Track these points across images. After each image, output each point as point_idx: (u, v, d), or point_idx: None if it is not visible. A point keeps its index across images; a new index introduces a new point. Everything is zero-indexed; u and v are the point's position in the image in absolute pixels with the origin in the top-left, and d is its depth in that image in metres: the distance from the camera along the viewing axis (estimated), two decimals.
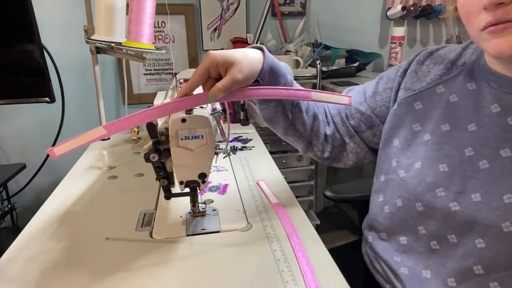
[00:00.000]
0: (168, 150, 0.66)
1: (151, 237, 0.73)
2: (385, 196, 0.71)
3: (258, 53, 0.65)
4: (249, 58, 0.62)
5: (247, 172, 1.01)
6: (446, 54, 0.69)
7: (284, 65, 0.70)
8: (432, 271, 0.63)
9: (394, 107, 0.72)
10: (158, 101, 0.76)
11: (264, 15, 1.42)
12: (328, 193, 1.04)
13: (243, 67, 0.60)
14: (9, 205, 1.61)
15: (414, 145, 0.67)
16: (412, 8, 1.87)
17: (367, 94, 0.78)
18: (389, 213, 0.70)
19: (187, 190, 0.73)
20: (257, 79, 0.65)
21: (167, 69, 1.87)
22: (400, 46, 1.92)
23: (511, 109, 0.57)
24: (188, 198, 0.76)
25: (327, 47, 1.83)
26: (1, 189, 1.54)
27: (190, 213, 0.79)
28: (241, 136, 1.31)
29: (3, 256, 0.67)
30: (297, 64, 1.59)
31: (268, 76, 0.66)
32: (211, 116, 0.68)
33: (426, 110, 0.67)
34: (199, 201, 0.78)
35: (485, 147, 0.58)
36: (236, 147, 1.21)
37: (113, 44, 1.14)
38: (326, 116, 0.80)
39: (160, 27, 1.78)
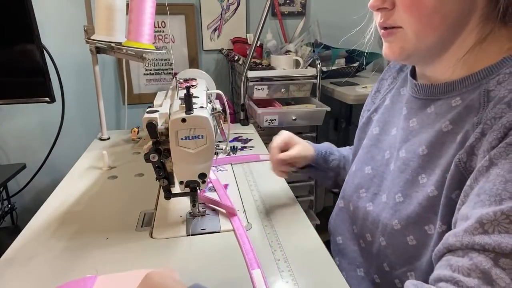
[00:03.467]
0: (168, 150, 0.66)
1: (151, 237, 0.73)
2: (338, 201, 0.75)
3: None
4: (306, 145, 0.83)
5: (247, 172, 1.01)
6: (396, 64, 0.73)
7: (328, 148, 0.86)
8: (364, 268, 0.66)
9: (360, 124, 0.76)
10: (158, 101, 0.76)
11: (264, 15, 1.42)
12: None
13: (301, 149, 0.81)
14: (9, 205, 1.61)
15: (359, 149, 0.72)
16: None
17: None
18: (334, 215, 0.75)
19: (187, 190, 0.73)
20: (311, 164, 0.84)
21: (167, 69, 1.87)
22: None
23: (413, 112, 0.59)
24: (188, 198, 0.76)
25: (327, 47, 1.83)
26: (1, 189, 1.54)
27: (190, 213, 0.79)
28: (241, 136, 1.31)
29: (3, 256, 0.67)
30: (297, 64, 1.59)
31: (322, 162, 0.84)
32: (211, 116, 0.68)
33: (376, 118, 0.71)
34: (199, 201, 0.78)
35: (394, 149, 0.61)
36: (236, 147, 1.20)
37: (113, 44, 1.13)
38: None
39: (160, 27, 1.78)
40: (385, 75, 0.75)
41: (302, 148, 0.81)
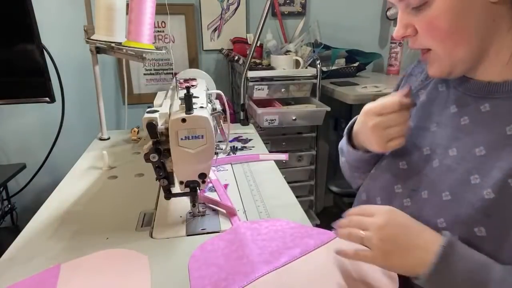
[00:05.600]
0: (168, 150, 0.66)
1: (151, 237, 0.73)
2: (358, 194, 0.74)
3: None
4: None
5: (247, 172, 1.01)
6: None
7: None
8: None
9: None
10: (158, 101, 0.76)
11: (264, 15, 1.42)
12: (333, 188, 1.03)
13: None
14: (9, 205, 1.61)
15: None
16: None
17: None
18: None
19: (187, 190, 0.73)
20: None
21: (167, 69, 1.87)
22: (400, 46, 1.92)
23: (465, 110, 0.58)
24: (188, 198, 0.76)
25: (327, 47, 1.83)
26: (1, 189, 1.54)
27: (190, 213, 0.79)
28: (241, 136, 1.31)
29: (3, 256, 0.67)
30: (297, 64, 1.59)
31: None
32: (211, 116, 0.68)
33: None
34: (199, 201, 0.78)
35: (438, 146, 0.60)
36: (236, 147, 1.20)
37: (113, 44, 1.13)
38: None
39: (160, 27, 1.78)
40: (414, 71, 0.74)
41: None
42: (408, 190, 0.62)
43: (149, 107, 0.69)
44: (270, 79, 1.53)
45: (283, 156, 1.11)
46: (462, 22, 0.50)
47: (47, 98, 1.23)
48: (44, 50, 1.24)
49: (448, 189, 0.56)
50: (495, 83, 0.55)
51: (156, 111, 0.67)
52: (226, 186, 0.93)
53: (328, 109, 1.49)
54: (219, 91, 0.79)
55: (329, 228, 0.73)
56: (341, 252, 0.58)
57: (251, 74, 1.50)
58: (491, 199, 0.50)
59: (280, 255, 0.64)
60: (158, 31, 1.79)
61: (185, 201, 0.81)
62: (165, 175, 0.71)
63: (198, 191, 0.74)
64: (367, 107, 0.63)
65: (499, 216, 0.49)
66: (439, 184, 0.58)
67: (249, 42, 1.78)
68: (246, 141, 1.27)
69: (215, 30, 1.86)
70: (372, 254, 0.52)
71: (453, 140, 0.58)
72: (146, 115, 0.65)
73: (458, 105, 0.60)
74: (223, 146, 0.77)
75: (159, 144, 0.67)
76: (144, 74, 1.85)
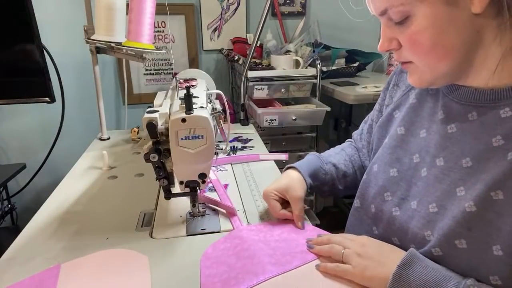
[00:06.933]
0: (168, 150, 0.66)
1: (151, 237, 0.73)
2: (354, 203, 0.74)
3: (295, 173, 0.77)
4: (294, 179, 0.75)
5: (247, 172, 1.01)
6: None
7: (315, 164, 0.80)
8: None
9: (379, 120, 0.73)
10: (158, 101, 0.76)
11: (264, 15, 1.42)
12: None
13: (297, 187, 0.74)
14: (9, 205, 1.61)
15: (380, 148, 0.69)
16: None
17: (371, 124, 0.80)
18: (350, 215, 0.74)
19: (187, 190, 0.73)
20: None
21: (167, 69, 1.87)
22: None
23: (452, 118, 0.57)
24: (188, 198, 0.76)
25: (327, 47, 1.83)
26: (1, 189, 1.54)
27: (190, 213, 0.79)
28: (241, 136, 1.31)
29: (3, 256, 0.67)
30: (297, 64, 1.59)
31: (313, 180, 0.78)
32: (211, 116, 0.68)
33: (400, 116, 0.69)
34: (199, 201, 0.78)
35: (427, 154, 0.59)
36: (236, 147, 1.20)
37: (113, 44, 1.13)
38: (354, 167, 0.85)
39: (160, 27, 1.78)
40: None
41: (297, 188, 0.74)
42: (398, 199, 0.61)
43: (149, 107, 0.69)
44: (270, 79, 1.53)
45: (283, 156, 1.11)
46: (445, 37, 0.49)
47: (47, 98, 1.23)
48: (44, 50, 1.24)
49: (435, 201, 0.55)
50: (482, 91, 0.53)
51: (156, 111, 0.67)
52: (226, 186, 0.93)
53: (328, 109, 1.49)
54: (219, 91, 0.79)
55: (330, 228, 0.73)
56: (322, 266, 0.61)
57: (251, 74, 1.50)
58: (472, 212, 0.49)
59: (293, 258, 0.63)
60: (158, 31, 1.79)
61: (185, 201, 0.81)
62: (165, 175, 0.71)
63: (198, 191, 0.74)
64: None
65: (480, 229, 0.49)
66: (426, 195, 0.57)
67: (249, 42, 1.78)
68: (246, 141, 1.27)
69: (215, 30, 1.86)
70: (352, 268, 0.58)
71: (440, 149, 0.57)
72: (146, 115, 0.65)
73: (445, 111, 0.58)
74: (223, 146, 0.77)
75: (159, 144, 0.67)
76: (144, 74, 1.85)
